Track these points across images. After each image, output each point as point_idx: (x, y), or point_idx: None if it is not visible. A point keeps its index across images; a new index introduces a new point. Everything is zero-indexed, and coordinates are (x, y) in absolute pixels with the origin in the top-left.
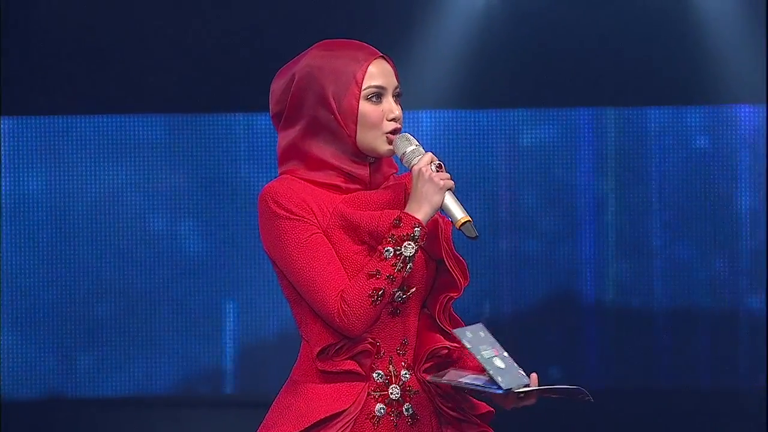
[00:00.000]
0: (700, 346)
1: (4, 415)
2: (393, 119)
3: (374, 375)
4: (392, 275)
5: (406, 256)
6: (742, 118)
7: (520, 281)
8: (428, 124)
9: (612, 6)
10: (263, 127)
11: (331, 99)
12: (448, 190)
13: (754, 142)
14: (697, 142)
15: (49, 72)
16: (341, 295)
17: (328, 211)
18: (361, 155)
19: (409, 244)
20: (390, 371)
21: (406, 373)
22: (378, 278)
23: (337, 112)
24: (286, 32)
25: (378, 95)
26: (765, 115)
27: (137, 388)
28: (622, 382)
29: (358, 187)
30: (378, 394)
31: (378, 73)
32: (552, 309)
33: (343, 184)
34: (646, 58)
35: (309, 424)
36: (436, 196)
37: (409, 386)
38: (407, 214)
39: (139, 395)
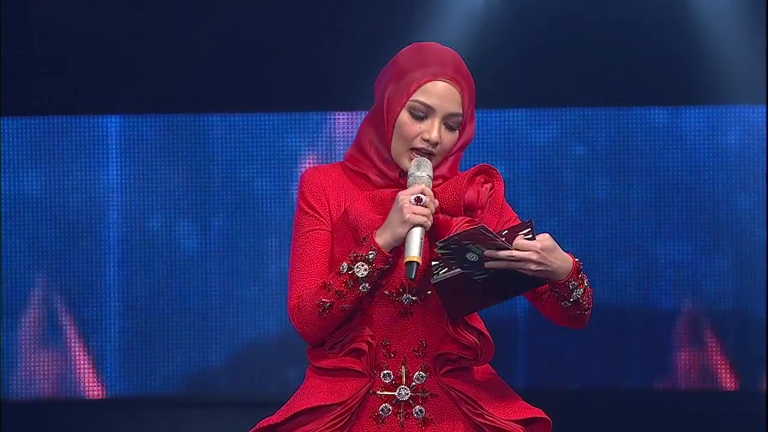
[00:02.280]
0: (699, 345)
1: (4, 415)
2: (427, 140)
3: (382, 374)
4: (341, 291)
5: (357, 276)
6: (742, 118)
7: None
8: None
9: (612, 6)
10: (262, 127)
11: (387, 95)
12: (418, 225)
13: (754, 142)
14: (697, 142)
15: (48, 72)
16: (301, 297)
17: (344, 207)
18: (393, 158)
19: (362, 266)
20: (401, 372)
21: (421, 375)
22: (328, 291)
23: (385, 111)
24: (286, 32)
25: (423, 113)
26: (765, 115)
27: (136, 387)
28: (621, 382)
29: (389, 183)
30: (384, 394)
31: (434, 93)
32: None
33: (374, 177)
34: (646, 58)
35: (289, 415)
36: (399, 227)
37: (424, 389)
38: (372, 235)
39: (138, 395)
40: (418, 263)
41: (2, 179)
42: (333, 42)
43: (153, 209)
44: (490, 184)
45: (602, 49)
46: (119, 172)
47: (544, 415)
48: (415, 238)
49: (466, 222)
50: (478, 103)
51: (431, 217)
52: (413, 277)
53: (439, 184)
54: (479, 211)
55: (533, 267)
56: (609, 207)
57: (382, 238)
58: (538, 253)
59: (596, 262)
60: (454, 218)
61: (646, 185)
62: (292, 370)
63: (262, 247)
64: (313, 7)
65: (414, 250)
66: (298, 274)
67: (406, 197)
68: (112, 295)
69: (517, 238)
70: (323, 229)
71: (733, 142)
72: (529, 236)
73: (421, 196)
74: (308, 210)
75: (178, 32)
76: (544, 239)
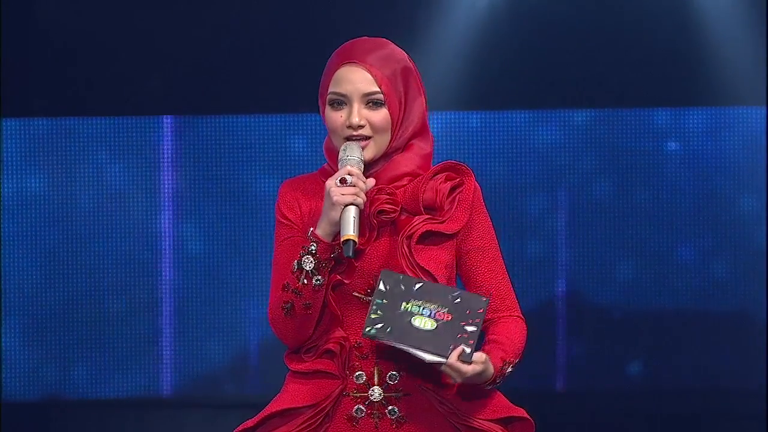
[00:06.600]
0: (700, 346)
1: (4, 416)
2: (350, 126)
3: (355, 376)
4: (297, 288)
5: (306, 270)
6: (743, 119)
7: (522, 282)
8: (431, 125)
9: (614, 7)
10: (264, 128)
11: (319, 101)
12: (351, 205)
13: (754, 144)
14: (698, 143)
15: (50, 73)
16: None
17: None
18: None
19: (308, 258)
20: (373, 373)
21: (394, 375)
22: (287, 291)
23: (321, 114)
24: (286, 33)
25: (339, 102)
26: (765, 115)
27: (138, 389)
28: (622, 383)
29: None
30: (358, 395)
31: (342, 80)
32: (553, 311)
33: None
34: (648, 59)
35: (260, 418)
36: (332, 211)
37: (398, 389)
38: (313, 228)
39: (140, 397)
40: (354, 241)
41: (4, 180)
42: (336, 43)
43: (155, 210)
44: (458, 179)
45: (604, 50)
46: (121, 173)
47: (526, 415)
48: (348, 216)
49: (423, 221)
50: (481, 105)
51: (362, 194)
52: (351, 254)
53: (405, 185)
54: (439, 210)
55: (458, 380)
56: (610, 208)
57: (321, 228)
58: (465, 376)
59: (597, 263)
60: (415, 217)
61: (647, 186)
62: None
63: (265, 248)
64: (315, 8)
65: (348, 229)
66: (274, 283)
67: (332, 182)
68: (113, 297)
69: (454, 352)
70: (298, 236)
71: (733, 143)
72: (473, 337)
73: (346, 177)
74: (283, 220)
75: (180, 34)
76: (477, 364)
